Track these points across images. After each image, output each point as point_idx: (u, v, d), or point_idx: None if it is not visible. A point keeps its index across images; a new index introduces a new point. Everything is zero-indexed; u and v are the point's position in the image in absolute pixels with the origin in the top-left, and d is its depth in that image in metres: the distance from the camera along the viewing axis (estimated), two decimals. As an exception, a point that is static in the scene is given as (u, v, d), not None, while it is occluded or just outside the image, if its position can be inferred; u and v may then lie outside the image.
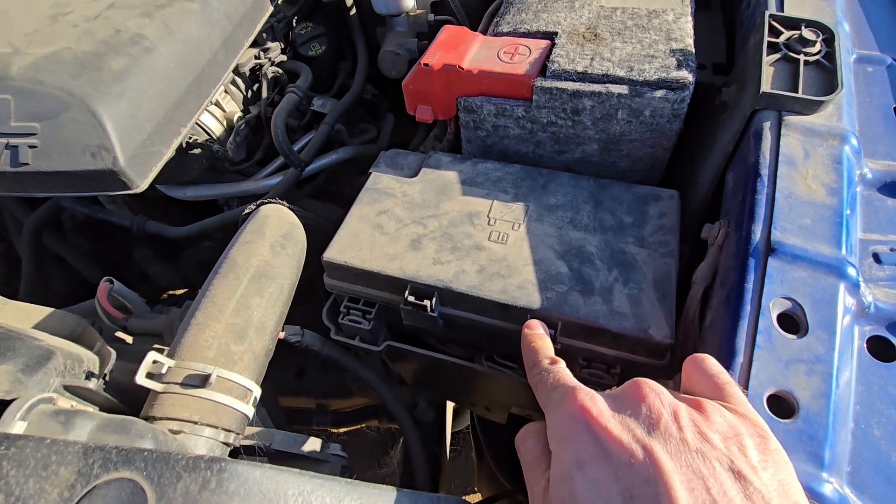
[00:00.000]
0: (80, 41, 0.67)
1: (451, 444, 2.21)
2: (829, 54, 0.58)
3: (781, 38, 0.59)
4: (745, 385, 0.42)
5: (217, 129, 0.98)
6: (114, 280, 0.63)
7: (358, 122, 1.27)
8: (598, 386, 0.58)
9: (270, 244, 0.51)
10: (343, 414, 1.61)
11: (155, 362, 0.38)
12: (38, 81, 0.62)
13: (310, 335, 0.66)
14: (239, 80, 1.04)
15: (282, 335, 0.60)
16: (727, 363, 0.44)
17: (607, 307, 0.55)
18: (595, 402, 0.35)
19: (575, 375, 0.58)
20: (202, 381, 0.38)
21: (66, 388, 0.37)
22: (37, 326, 0.53)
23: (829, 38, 0.59)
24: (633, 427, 0.32)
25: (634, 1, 0.75)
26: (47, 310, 0.57)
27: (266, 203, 0.69)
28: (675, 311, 0.54)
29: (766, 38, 0.59)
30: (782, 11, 0.66)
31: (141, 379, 0.36)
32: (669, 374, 0.57)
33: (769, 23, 0.60)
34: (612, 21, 0.72)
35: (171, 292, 1.51)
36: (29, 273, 1.19)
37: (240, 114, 1.02)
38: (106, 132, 0.63)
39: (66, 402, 0.35)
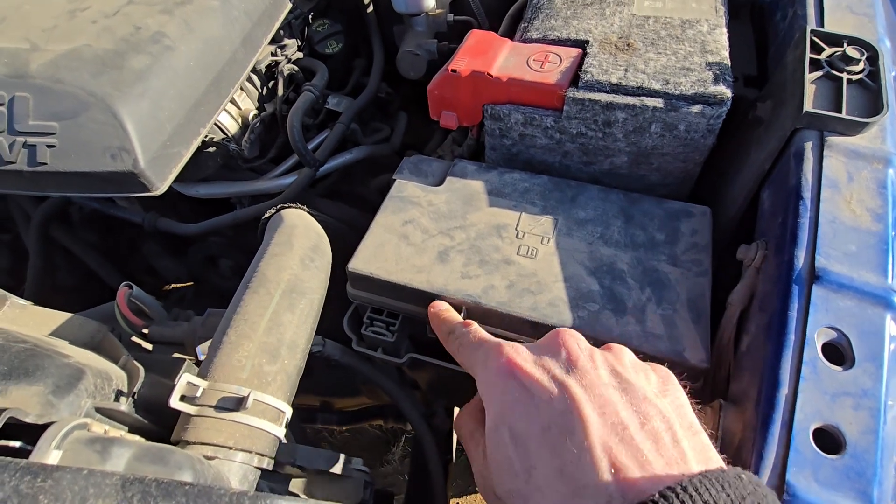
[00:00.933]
0: (100, 38, 0.65)
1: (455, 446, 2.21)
2: (873, 73, 0.56)
3: (823, 55, 0.58)
4: (789, 417, 0.41)
5: (232, 127, 0.97)
6: (133, 285, 0.62)
7: (370, 121, 1.25)
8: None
9: (300, 257, 0.50)
10: (348, 413, 1.61)
11: (189, 384, 0.36)
12: (58, 80, 0.60)
13: (331, 345, 0.65)
14: (255, 78, 1.02)
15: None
16: (770, 395, 0.43)
17: (641, 328, 0.54)
18: (519, 352, 0.37)
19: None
20: (237, 403, 0.37)
21: (98, 409, 0.36)
22: (55, 333, 0.52)
23: (872, 57, 0.57)
24: (553, 369, 0.35)
25: (666, 10, 0.73)
26: (65, 315, 0.55)
27: (286, 207, 0.67)
28: (710, 333, 0.53)
29: (808, 55, 0.57)
30: (822, 26, 0.64)
31: (175, 402, 0.35)
32: (703, 399, 0.56)
33: (811, 38, 0.59)
34: (644, 30, 0.70)
35: (175, 286, 1.50)
36: (36, 265, 1.18)
37: (255, 111, 1.01)
38: (127, 133, 0.61)
39: (99, 427, 0.34)
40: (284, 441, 0.40)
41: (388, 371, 0.85)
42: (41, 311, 0.56)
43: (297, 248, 0.51)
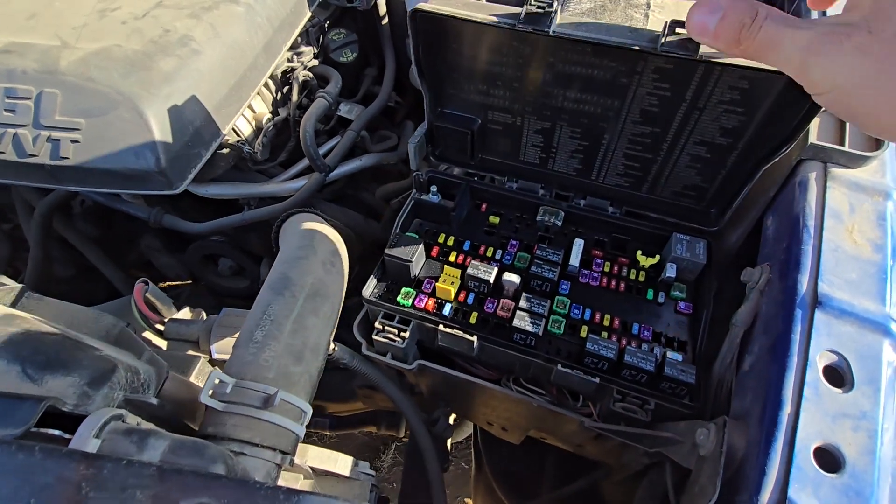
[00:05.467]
0: (130, 39, 0.66)
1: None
2: (875, 110, 0.59)
3: (828, 91, 0.61)
4: (791, 435, 0.43)
5: (247, 130, 0.98)
6: (148, 281, 0.63)
7: (378, 129, 1.27)
8: (631, 421, 0.58)
9: (322, 261, 0.51)
10: (341, 418, 1.61)
11: (219, 381, 0.37)
12: (88, 78, 0.61)
13: (341, 349, 0.66)
14: (270, 83, 1.03)
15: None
16: (773, 414, 0.44)
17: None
18: None
19: (607, 410, 0.59)
20: (264, 402, 0.38)
21: (128, 401, 0.37)
22: (73, 327, 0.53)
23: (874, 94, 0.60)
24: None
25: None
26: (83, 309, 0.56)
27: (301, 212, 0.69)
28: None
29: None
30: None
31: (206, 398, 0.36)
32: (703, 415, 0.57)
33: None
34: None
35: (171, 283, 1.49)
36: (36, 256, 1.17)
37: (269, 115, 1.02)
38: (152, 133, 0.62)
39: (133, 419, 0.35)
40: (302, 438, 0.41)
41: (385, 372, 0.86)
42: (58, 304, 0.56)
43: (320, 252, 0.52)
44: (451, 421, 1.24)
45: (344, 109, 1.14)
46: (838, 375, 0.46)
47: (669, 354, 0.58)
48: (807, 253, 0.51)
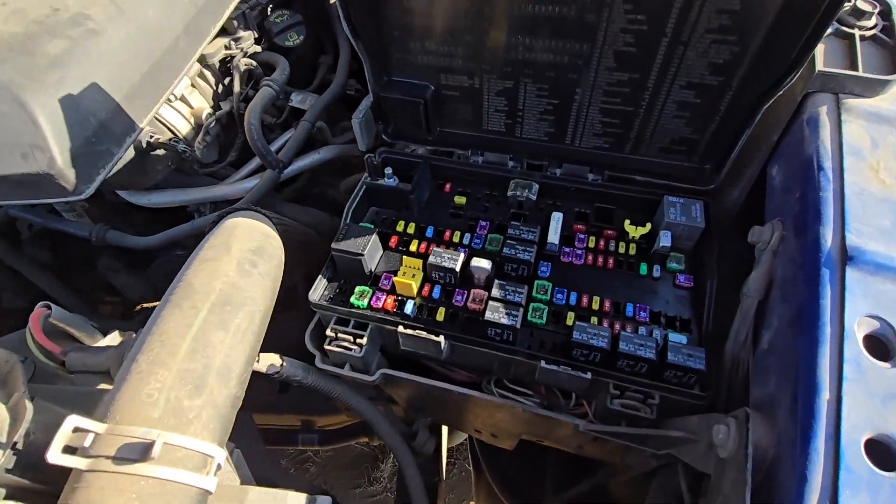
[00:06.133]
0: (8, 21, 0.56)
1: (447, 458, 2.12)
2: (888, 28, 0.50)
3: (830, 12, 0.52)
4: (835, 428, 0.34)
5: (183, 127, 0.88)
6: (51, 305, 0.53)
7: (339, 120, 1.17)
8: (633, 420, 0.49)
9: (238, 261, 0.42)
10: (331, 432, 1.52)
11: (77, 430, 0.28)
12: (-48, 68, 0.51)
13: (290, 365, 0.56)
14: (208, 73, 0.93)
15: (256, 367, 0.50)
16: (808, 401, 0.35)
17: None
18: None
19: (604, 408, 0.50)
20: (143, 452, 0.28)
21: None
22: (-51, 367, 0.43)
23: (885, 11, 0.51)
24: None
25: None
26: (-35, 345, 0.46)
27: (238, 212, 0.59)
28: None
29: (815, 11, 0.51)
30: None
31: (55, 455, 0.27)
32: (717, 407, 0.48)
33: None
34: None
35: (144, 305, 1.39)
36: (-23, 288, 1.07)
37: (209, 110, 0.92)
38: (39, 128, 0.52)
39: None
40: (211, 492, 0.31)
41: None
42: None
43: (236, 250, 0.42)
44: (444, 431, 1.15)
45: (296, 100, 1.04)
46: (883, 346, 0.37)
47: (672, 337, 0.49)
48: (827, 200, 0.42)
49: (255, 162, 0.99)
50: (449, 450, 2.09)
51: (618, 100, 0.56)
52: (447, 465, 2.06)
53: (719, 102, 0.53)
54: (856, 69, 0.48)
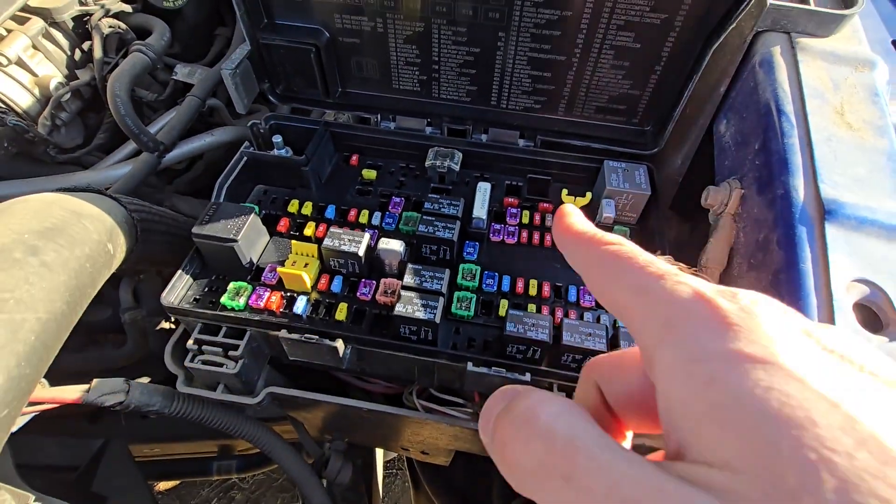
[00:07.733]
0: None
1: (385, 468, 1.98)
2: (835, -36, 0.45)
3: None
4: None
5: (22, 98, 0.70)
6: None
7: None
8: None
9: (8, 250, 0.28)
10: (251, 456, 1.35)
11: None
12: None
13: (140, 391, 0.42)
14: (57, 34, 0.75)
15: (77, 398, 0.36)
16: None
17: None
18: None
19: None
20: None
21: None
22: None
23: (830, -55, 0.46)
24: None
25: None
26: None
27: (67, 193, 0.44)
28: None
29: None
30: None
31: None
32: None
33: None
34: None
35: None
36: None
37: (60, 79, 0.74)
38: None
39: None
40: None
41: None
42: None
43: (7, 235, 0.28)
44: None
45: (182, 72, 0.88)
46: (874, 315, 0.30)
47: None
48: (793, 147, 0.36)
49: (130, 146, 0.82)
50: (389, 461, 1.95)
51: (547, 46, 0.47)
52: (386, 477, 1.93)
53: (661, 47, 0.45)
54: (807, 2, 0.42)
